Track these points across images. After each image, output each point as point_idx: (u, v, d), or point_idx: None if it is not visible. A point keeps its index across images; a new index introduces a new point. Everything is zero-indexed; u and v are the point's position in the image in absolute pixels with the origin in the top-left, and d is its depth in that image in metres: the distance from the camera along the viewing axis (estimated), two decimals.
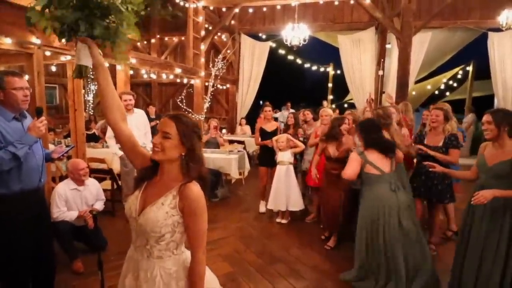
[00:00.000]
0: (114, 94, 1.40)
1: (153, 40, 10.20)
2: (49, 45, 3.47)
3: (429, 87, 11.37)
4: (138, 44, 9.62)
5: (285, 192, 4.24)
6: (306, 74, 15.02)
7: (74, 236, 3.28)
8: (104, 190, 3.75)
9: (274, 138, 4.36)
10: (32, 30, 3.23)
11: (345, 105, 13.97)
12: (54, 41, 3.48)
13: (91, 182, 3.50)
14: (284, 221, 4.35)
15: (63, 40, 1.36)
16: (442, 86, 11.53)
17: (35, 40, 3.29)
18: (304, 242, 3.79)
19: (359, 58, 8.77)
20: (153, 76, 7.31)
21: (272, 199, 4.33)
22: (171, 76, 7.46)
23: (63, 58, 4.40)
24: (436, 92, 11.67)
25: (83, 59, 1.37)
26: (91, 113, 8.99)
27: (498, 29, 7.14)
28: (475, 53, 9.91)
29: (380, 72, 8.38)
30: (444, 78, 11.38)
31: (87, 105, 9.20)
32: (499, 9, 6.59)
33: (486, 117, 2.28)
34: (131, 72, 5.38)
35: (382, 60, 8.51)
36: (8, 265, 2.18)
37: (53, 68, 7.65)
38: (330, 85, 12.36)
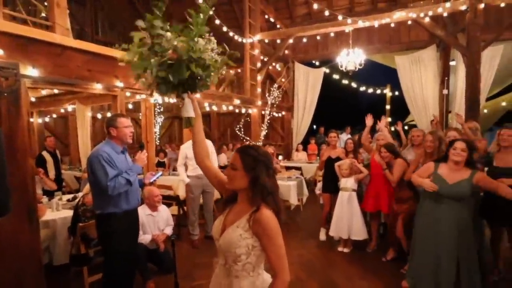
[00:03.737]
0: (203, 137, 1.61)
1: None
2: (130, 87, 3.98)
3: (503, 103, 10.22)
4: None
5: (347, 219, 4.11)
6: (362, 97, 14.64)
7: (147, 258, 3.51)
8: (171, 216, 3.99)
9: (337, 164, 4.29)
10: (116, 75, 3.76)
11: (405, 127, 13.18)
12: (133, 83, 3.99)
13: (163, 208, 3.77)
14: (346, 250, 4.20)
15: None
16: None
17: (119, 83, 3.81)
18: (369, 272, 3.60)
19: (419, 77, 8.35)
20: (215, 108, 7.80)
21: (334, 226, 4.21)
22: (230, 107, 7.88)
23: (138, 97, 4.98)
24: None
25: (190, 112, 1.54)
26: (157, 144, 9.82)
27: None
28: None
29: (445, 91, 7.85)
30: None
31: (155, 137, 10.10)
32: None
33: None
34: None
35: (446, 78, 7.99)
36: (117, 267, 2.60)
37: (130, 106, 8.63)
38: (388, 107, 11.86)
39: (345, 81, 10.16)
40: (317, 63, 10.21)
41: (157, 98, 5.30)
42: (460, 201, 2.64)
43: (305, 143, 9.96)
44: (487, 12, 6.85)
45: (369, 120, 4.23)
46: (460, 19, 7.16)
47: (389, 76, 10.36)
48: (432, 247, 2.76)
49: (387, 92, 11.70)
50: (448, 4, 6.23)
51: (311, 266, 3.80)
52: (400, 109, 10.49)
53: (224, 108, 7.61)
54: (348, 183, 4.15)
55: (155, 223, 3.63)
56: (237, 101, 7.12)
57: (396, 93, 10.94)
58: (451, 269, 2.64)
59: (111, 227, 2.54)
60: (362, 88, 10.95)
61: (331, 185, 4.47)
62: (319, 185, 5.10)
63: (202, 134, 1.61)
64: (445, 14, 6.60)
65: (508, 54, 7.63)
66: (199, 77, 1.46)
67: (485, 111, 9.32)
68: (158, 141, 10.37)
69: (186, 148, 4.63)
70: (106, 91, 3.73)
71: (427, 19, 6.49)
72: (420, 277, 2.90)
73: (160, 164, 7.61)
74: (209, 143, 4.84)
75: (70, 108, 7.30)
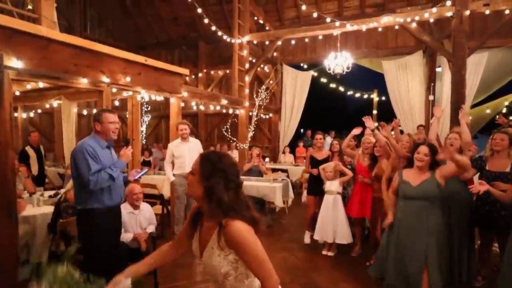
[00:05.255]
0: (159, 260, 1.50)
1: (200, 74, 10.93)
2: (116, 83, 3.91)
3: (488, 111, 10.48)
4: (187, 78, 10.39)
5: (332, 223, 4.08)
6: (349, 101, 14.87)
7: (128, 257, 3.45)
8: (155, 215, 3.93)
9: (322, 167, 4.25)
10: (102, 70, 3.70)
11: (392, 132, 13.36)
12: (120, 80, 3.92)
13: (145, 207, 3.70)
14: (330, 254, 4.17)
15: None
16: (504, 110, 10.57)
17: (105, 79, 3.74)
18: (353, 277, 3.57)
19: (406, 83, 8.49)
20: (202, 108, 7.76)
21: (319, 229, 4.18)
22: (217, 107, 7.85)
23: (125, 94, 4.90)
24: (497, 116, 10.70)
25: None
26: (144, 142, 9.70)
27: None
28: None
29: (431, 97, 7.99)
30: (505, 101, 10.44)
31: (141, 135, 9.96)
32: None
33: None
34: (182, 104, 5.80)
35: (433, 84, 8.15)
36: (97, 264, 2.47)
37: (116, 103, 8.50)
38: (374, 112, 12.02)
39: (332, 85, 10.27)
40: (305, 66, 10.29)
41: (144, 95, 5.23)
42: (428, 200, 2.73)
43: (293, 146, 9.99)
44: (472, 20, 7.04)
45: (357, 130, 4.25)
46: (446, 25, 7.32)
47: (376, 81, 10.55)
48: (401, 248, 2.79)
49: (374, 97, 11.87)
50: (434, 10, 6.38)
51: (295, 269, 3.77)
52: (387, 114, 10.68)
53: (211, 108, 7.57)
54: (332, 186, 4.14)
55: (137, 222, 3.55)
56: (224, 101, 7.10)
57: (383, 98, 11.15)
58: (417, 271, 2.69)
59: (93, 223, 2.50)
60: (350, 93, 11.09)
61: (316, 188, 4.46)
62: None
63: (155, 263, 1.50)
64: (431, 20, 6.75)
65: (492, 61, 7.82)
66: None
67: (470, 117, 9.52)
68: (145, 140, 10.24)
69: (174, 146, 4.64)
70: (92, 86, 3.67)
71: (413, 25, 6.62)
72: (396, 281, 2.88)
73: (145, 163, 7.51)
74: (196, 143, 4.83)
75: (55, 103, 7.15)
